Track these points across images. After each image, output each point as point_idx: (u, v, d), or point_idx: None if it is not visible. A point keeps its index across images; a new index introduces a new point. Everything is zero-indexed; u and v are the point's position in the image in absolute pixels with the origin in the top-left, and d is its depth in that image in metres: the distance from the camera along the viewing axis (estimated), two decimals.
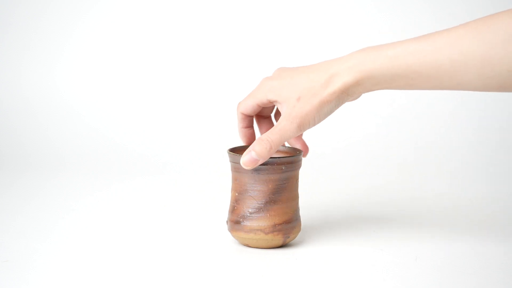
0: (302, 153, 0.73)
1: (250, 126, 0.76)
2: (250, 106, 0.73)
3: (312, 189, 1.01)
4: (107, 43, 1.43)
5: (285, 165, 0.70)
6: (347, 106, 1.36)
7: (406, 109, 1.33)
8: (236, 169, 0.72)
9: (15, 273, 0.65)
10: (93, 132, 1.31)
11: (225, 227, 0.78)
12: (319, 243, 0.75)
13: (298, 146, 0.77)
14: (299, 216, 0.74)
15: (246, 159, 0.68)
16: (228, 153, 0.72)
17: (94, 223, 0.84)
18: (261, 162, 0.68)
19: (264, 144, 0.67)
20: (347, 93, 0.67)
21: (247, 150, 0.68)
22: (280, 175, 0.70)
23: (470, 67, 0.62)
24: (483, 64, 0.62)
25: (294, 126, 0.67)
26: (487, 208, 0.92)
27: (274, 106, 0.75)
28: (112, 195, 1.00)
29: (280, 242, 0.72)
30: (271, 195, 0.70)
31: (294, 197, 0.73)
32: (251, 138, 0.76)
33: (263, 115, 0.77)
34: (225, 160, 0.75)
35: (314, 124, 0.68)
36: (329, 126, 1.33)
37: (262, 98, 0.71)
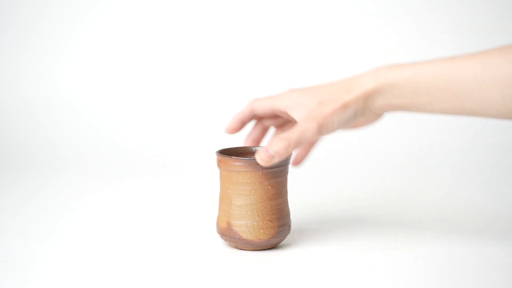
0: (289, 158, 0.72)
1: (244, 124, 0.76)
2: (263, 106, 0.73)
3: (312, 189, 1.01)
4: (107, 43, 1.43)
5: (266, 168, 0.70)
6: None
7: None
8: (221, 168, 0.72)
9: (15, 273, 0.65)
10: (93, 132, 1.31)
11: None
12: (318, 243, 0.75)
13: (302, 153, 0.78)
14: (285, 217, 0.73)
15: (262, 155, 0.67)
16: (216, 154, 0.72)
17: (94, 223, 0.84)
18: (277, 160, 0.67)
19: (283, 142, 0.67)
20: (367, 101, 0.67)
21: (264, 147, 0.68)
22: (260, 175, 0.70)
23: (494, 87, 0.62)
24: (507, 85, 0.61)
25: (314, 127, 0.66)
26: (486, 208, 0.92)
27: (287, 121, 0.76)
28: (112, 195, 1.00)
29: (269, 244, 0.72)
30: (255, 196, 0.70)
31: (277, 198, 0.72)
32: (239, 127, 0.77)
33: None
34: None
35: (333, 129, 0.67)
36: None
37: (280, 103, 0.71)
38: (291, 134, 0.67)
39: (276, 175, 0.71)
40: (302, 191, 0.83)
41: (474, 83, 0.62)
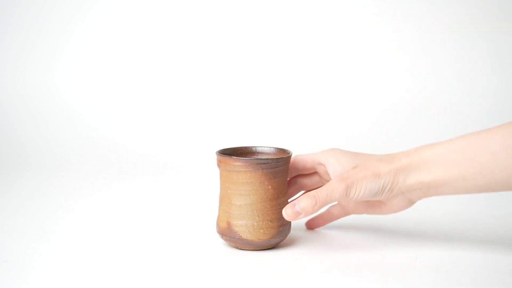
0: (286, 157, 0.72)
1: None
2: (305, 158, 0.74)
3: None
4: (107, 43, 1.43)
5: (263, 165, 0.70)
6: (346, 108, 1.36)
7: (406, 110, 1.33)
8: (221, 168, 0.72)
9: (15, 273, 0.65)
10: (93, 132, 1.31)
11: None
12: (318, 243, 0.75)
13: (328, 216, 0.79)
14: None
15: (289, 211, 0.69)
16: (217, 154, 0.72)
17: (94, 223, 0.84)
18: (302, 216, 0.69)
19: (310, 199, 0.68)
20: (399, 176, 0.67)
21: (291, 203, 0.69)
22: (260, 175, 0.70)
23: None
24: None
25: (342, 188, 0.67)
26: (486, 209, 0.92)
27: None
28: (112, 195, 1.00)
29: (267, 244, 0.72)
30: (255, 196, 0.70)
31: (277, 198, 0.72)
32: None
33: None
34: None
35: (359, 195, 0.68)
36: (330, 129, 1.33)
37: (321, 156, 0.73)
38: (320, 192, 0.68)
39: (276, 175, 0.71)
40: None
41: (504, 151, 0.63)
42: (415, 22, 1.38)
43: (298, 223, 0.82)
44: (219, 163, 0.72)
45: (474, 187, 0.66)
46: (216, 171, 0.74)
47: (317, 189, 0.69)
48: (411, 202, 0.71)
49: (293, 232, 0.78)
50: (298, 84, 1.40)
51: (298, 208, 0.68)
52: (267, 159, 0.70)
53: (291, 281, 0.64)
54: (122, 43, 1.42)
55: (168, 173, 1.15)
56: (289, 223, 0.73)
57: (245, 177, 0.70)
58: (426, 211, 0.90)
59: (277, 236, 0.71)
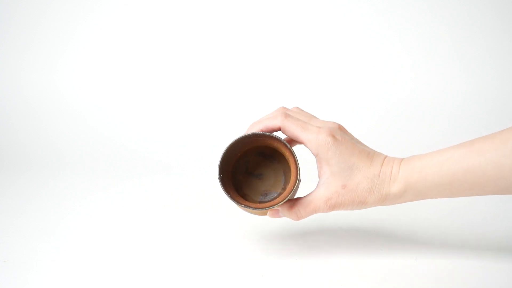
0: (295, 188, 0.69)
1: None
2: (293, 132, 0.68)
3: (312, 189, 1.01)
4: (108, 44, 1.43)
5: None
6: (346, 109, 1.36)
7: (407, 110, 1.33)
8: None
9: (15, 273, 0.65)
10: (93, 132, 1.31)
11: (225, 227, 0.79)
12: (318, 243, 0.75)
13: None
14: None
15: (272, 214, 0.69)
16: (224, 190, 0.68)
17: (95, 223, 0.84)
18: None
19: (293, 215, 0.68)
20: (386, 202, 0.68)
21: (275, 211, 0.69)
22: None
23: None
24: None
25: (327, 209, 0.68)
26: (486, 209, 0.92)
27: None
28: (112, 195, 1.00)
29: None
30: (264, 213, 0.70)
31: None
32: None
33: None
34: None
35: (344, 210, 0.69)
36: None
37: (312, 144, 0.67)
38: (304, 212, 0.68)
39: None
40: (304, 192, 0.83)
41: (494, 169, 0.62)
42: (415, 22, 1.39)
43: (298, 223, 0.82)
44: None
45: (463, 196, 0.66)
46: (217, 171, 0.74)
47: (303, 205, 0.68)
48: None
49: (293, 232, 0.78)
50: (299, 85, 1.40)
51: (281, 215, 0.69)
52: (276, 204, 0.67)
53: (291, 281, 0.64)
54: (123, 43, 1.42)
55: (168, 173, 1.15)
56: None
57: (255, 212, 0.70)
58: (425, 211, 0.90)
59: None
